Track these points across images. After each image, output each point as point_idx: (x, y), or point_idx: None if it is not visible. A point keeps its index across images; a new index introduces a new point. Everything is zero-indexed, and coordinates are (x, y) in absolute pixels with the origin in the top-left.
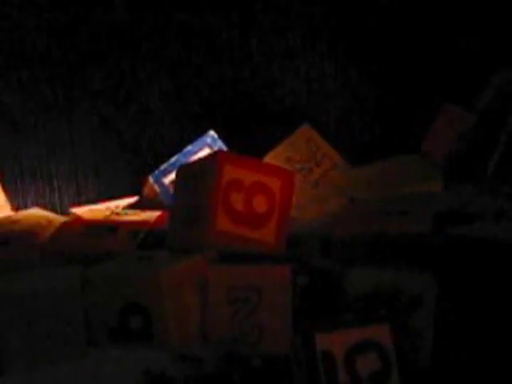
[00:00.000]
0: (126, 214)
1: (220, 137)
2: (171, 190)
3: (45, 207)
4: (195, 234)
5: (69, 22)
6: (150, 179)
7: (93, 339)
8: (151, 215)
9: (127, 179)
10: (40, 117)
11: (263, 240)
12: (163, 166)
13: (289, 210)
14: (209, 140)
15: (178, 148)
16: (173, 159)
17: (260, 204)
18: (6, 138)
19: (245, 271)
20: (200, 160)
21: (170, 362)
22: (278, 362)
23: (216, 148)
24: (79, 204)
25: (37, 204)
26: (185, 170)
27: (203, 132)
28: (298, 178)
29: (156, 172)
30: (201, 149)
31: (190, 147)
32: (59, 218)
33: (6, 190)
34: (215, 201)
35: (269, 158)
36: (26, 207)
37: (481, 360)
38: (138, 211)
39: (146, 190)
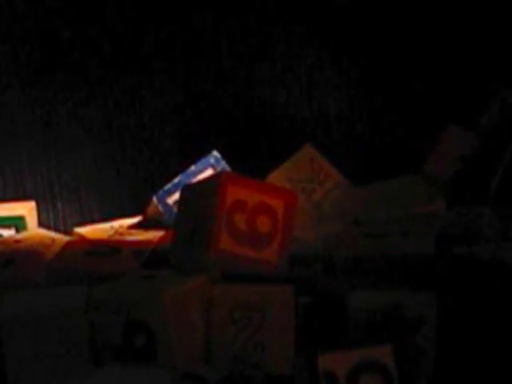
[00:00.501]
0: (130, 233)
1: (223, 157)
2: (175, 209)
3: (48, 227)
4: (199, 254)
5: (71, 37)
6: (154, 199)
7: (97, 358)
8: (155, 235)
9: (131, 199)
10: (42, 136)
11: (266, 260)
12: (167, 186)
13: (291, 230)
14: (212, 160)
15: (181, 168)
16: (176, 179)
17: (263, 224)
18: (7, 157)
19: (248, 291)
20: (203, 180)
21: (173, 381)
22: (280, 381)
23: (219, 168)
24: (83, 224)
25: (40, 224)
26: (188, 190)
27: (206, 152)
28: (301, 198)
29: (160, 192)
30: (204, 169)
31: (193, 167)
32: (63, 238)
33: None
34: (219, 221)
35: (271, 178)
36: None
37: (483, 380)
38: (141, 231)
39: (149, 210)
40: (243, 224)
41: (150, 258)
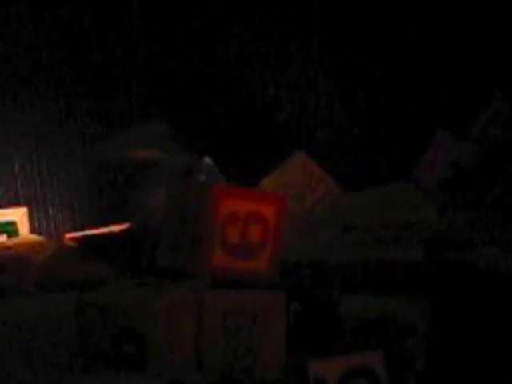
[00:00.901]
0: None
1: (215, 163)
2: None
3: (40, 233)
4: (191, 264)
5: (62, 48)
6: None
7: (87, 365)
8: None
9: (122, 205)
10: (34, 143)
11: (257, 270)
12: None
13: (282, 236)
14: (204, 166)
15: None
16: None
17: (255, 234)
18: (1, 164)
19: (240, 297)
20: (193, 188)
21: None
22: None
23: (211, 174)
24: (74, 230)
25: (32, 230)
26: (178, 195)
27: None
28: (293, 204)
29: None
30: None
31: None
32: (54, 244)
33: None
34: (213, 237)
35: (263, 184)
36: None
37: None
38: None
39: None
40: (236, 236)
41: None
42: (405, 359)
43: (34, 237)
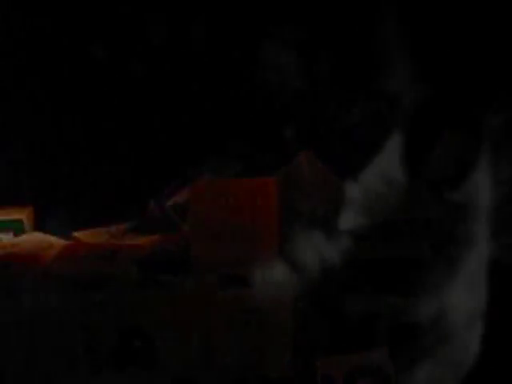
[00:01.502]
0: (128, 237)
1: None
2: (173, 213)
3: (46, 231)
4: (251, 251)
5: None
6: (152, 203)
7: (94, 363)
8: (152, 239)
9: (129, 203)
10: (39, 140)
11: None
12: (165, 191)
13: None
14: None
15: (179, 172)
16: (174, 184)
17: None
18: (5, 162)
19: (247, 295)
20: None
21: None
22: None
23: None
24: (80, 227)
25: (38, 227)
26: (210, 187)
27: (204, 157)
28: (299, 203)
29: (158, 196)
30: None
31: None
32: (60, 242)
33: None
34: (277, 224)
35: None
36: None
37: (478, 374)
38: (138, 235)
39: (148, 214)
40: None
41: (148, 262)
42: (412, 357)
43: (41, 234)
